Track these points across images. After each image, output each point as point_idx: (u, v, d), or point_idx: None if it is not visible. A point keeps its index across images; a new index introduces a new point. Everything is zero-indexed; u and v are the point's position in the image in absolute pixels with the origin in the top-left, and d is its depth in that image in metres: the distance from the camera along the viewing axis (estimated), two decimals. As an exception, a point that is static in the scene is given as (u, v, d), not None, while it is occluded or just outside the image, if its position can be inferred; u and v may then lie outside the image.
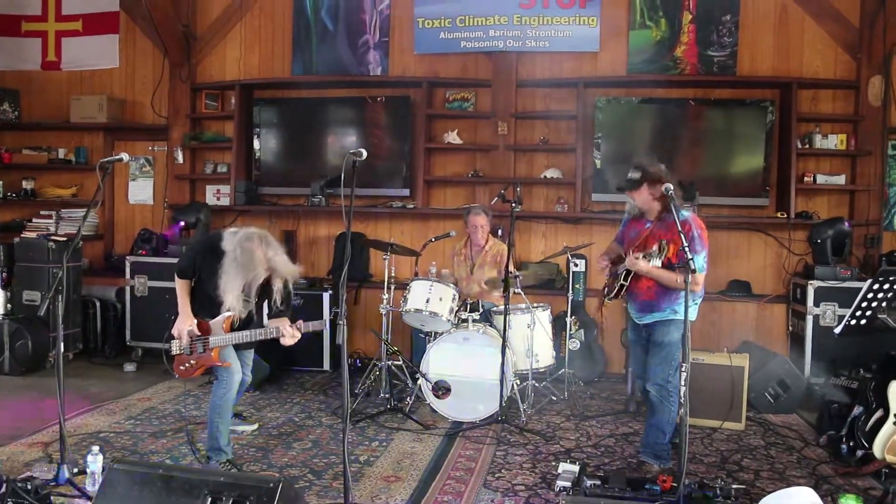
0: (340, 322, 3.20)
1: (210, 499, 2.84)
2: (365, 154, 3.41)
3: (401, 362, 5.58)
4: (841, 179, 6.41)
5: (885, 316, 3.18)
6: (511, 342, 5.15)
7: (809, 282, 5.89)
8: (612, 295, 4.37)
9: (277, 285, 4.15)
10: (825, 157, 6.50)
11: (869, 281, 3.12)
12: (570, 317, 5.79)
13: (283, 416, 5.16)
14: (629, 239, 4.35)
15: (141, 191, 7.51)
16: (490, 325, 5.37)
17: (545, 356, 5.47)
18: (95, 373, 6.26)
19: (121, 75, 7.45)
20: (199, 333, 4.10)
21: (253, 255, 3.95)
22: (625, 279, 4.24)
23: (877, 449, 4.11)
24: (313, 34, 7.07)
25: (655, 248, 3.97)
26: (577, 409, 5.43)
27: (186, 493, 2.88)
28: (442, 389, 5.06)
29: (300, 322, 4.06)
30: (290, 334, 4.02)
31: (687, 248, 3.48)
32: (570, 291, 5.85)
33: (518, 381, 5.29)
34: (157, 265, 6.56)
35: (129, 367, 6.36)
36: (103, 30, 7.39)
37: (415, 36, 6.85)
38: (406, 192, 6.84)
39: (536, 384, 5.54)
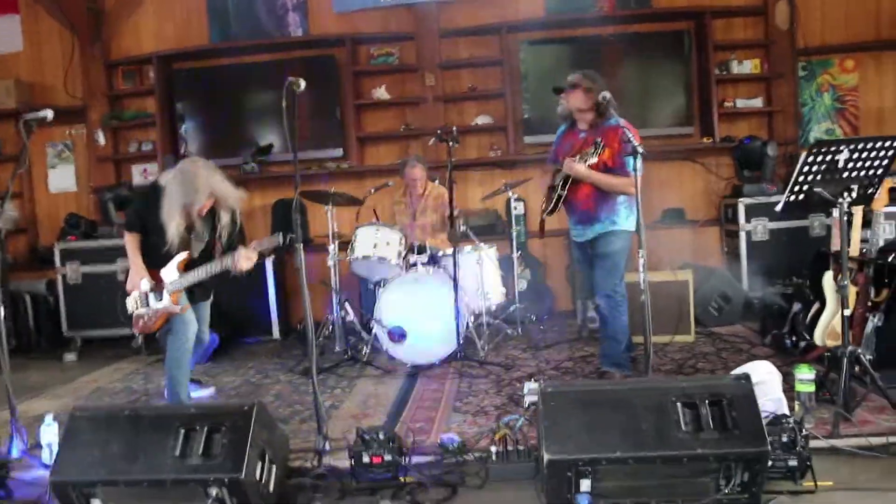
0: (298, 245, 3.16)
1: (183, 431, 2.78)
2: (304, 84, 3.40)
3: (352, 317, 5.54)
4: (758, 102, 6.69)
5: (820, 189, 3.33)
6: (461, 282, 5.16)
7: (739, 200, 6.13)
8: (551, 208, 4.37)
9: (225, 219, 4.04)
10: (742, 83, 6.75)
11: (803, 154, 3.26)
12: (517, 252, 5.85)
13: (239, 380, 5.07)
14: (565, 152, 4.37)
15: (62, 178, 7.19)
16: (439, 268, 5.37)
17: (496, 293, 5.51)
18: (33, 366, 5.97)
19: (27, 58, 7.07)
20: (154, 283, 3.99)
21: (196, 175, 3.85)
22: (562, 188, 4.23)
23: (817, 337, 4.31)
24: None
25: (591, 148, 4.02)
26: (533, 341, 5.52)
27: (157, 429, 2.81)
28: (397, 335, 5.04)
29: (254, 242, 3.95)
30: (245, 256, 3.86)
31: (631, 138, 3.54)
32: (513, 231, 5.93)
33: (472, 319, 5.33)
34: (90, 250, 6.32)
35: (70, 357, 6.12)
36: (1, 11, 7.01)
37: (333, -6, 6.79)
38: (339, 151, 6.78)
39: (491, 320, 5.59)
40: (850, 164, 3.36)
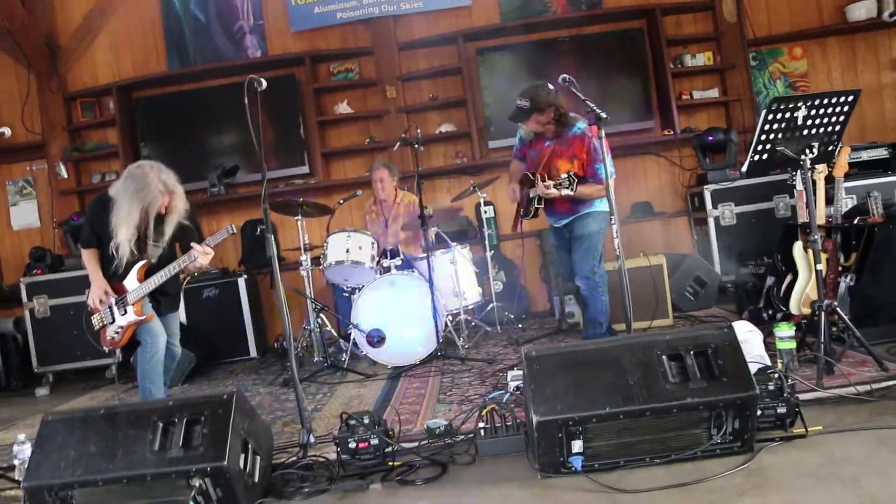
0: (269, 235, 3.13)
1: (161, 424, 2.71)
2: (265, 83, 3.41)
3: (329, 326, 5.46)
4: (714, 93, 6.82)
5: (783, 148, 3.38)
6: (437, 283, 5.13)
7: (705, 187, 6.20)
8: (530, 216, 4.48)
9: (180, 218, 4.01)
10: (697, 75, 6.89)
11: (763, 112, 3.31)
12: (489, 252, 5.83)
13: (219, 396, 4.94)
14: (531, 159, 4.44)
15: (25, 215, 7.06)
16: (413, 270, 5.34)
17: (472, 292, 5.48)
18: (4, 403, 5.79)
19: (-19, 96, 7.01)
20: (117, 296, 3.91)
21: (146, 179, 3.82)
22: (539, 203, 4.36)
23: (793, 307, 4.36)
24: (185, 27, 6.91)
25: (565, 178, 4.09)
26: (513, 337, 5.49)
27: (133, 424, 2.73)
28: (377, 338, 4.99)
29: (208, 238, 3.96)
30: (201, 252, 3.86)
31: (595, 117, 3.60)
32: (485, 235, 5.93)
33: (451, 319, 5.29)
34: (56, 282, 6.17)
35: (42, 392, 5.96)
36: (-48, 49, 6.94)
37: (289, 14, 6.81)
38: (305, 168, 6.77)
39: (469, 319, 5.56)
40: (809, 122, 3.42)
